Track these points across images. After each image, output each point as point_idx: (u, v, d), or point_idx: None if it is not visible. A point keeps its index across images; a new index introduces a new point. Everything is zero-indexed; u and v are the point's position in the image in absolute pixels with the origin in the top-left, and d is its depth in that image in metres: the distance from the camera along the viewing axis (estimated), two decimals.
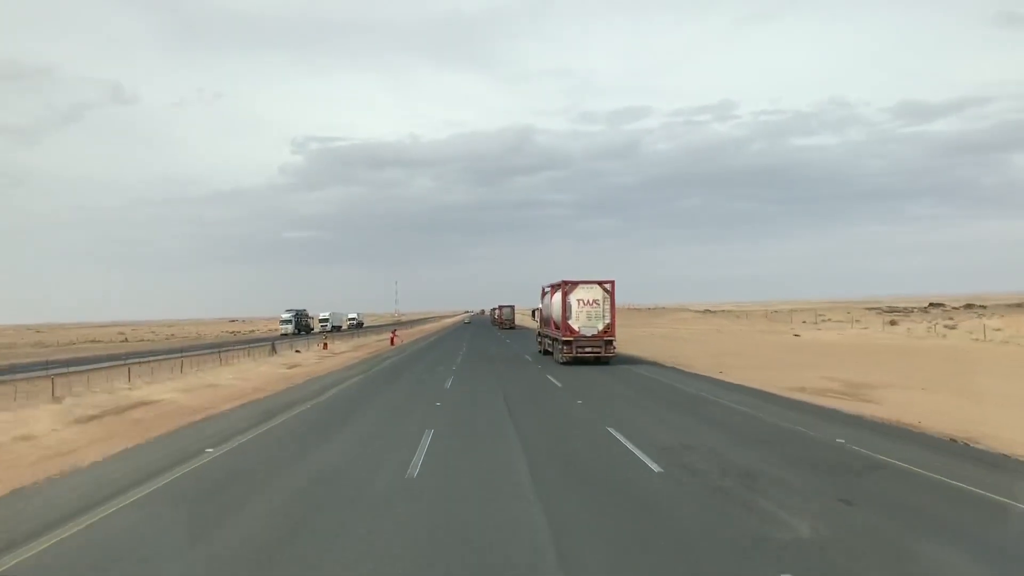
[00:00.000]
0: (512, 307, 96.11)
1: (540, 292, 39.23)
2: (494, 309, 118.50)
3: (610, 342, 30.22)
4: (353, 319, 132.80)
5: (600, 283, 30.60)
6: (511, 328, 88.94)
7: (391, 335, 60.03)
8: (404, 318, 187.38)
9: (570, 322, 30.17)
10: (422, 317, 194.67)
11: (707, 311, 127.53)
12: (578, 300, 30.30)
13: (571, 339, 30.00)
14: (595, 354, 30.11)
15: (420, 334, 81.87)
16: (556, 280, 33.48)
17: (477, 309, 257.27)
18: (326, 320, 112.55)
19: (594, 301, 30.27)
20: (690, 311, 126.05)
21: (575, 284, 30.58)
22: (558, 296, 31.94)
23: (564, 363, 30.48)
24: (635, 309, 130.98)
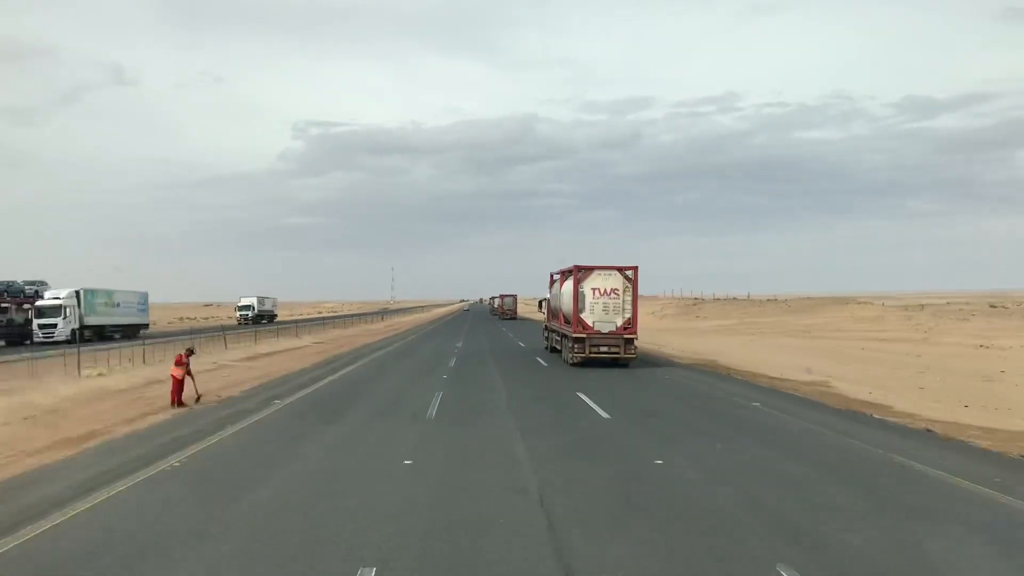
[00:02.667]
0: (514, 296, 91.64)
1: (548, 280, 34.24)
2: (494, 298, 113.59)
3: (630, 341, 25.22)
4: (247, 308, 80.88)
5: (620, 269, 25.61)
6: (512, 318, 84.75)
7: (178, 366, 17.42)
8: (392, 306, 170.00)
9: (583, 316, 25.19)
10: (416, 305, 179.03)
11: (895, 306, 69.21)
12: (593, 289, 25.30)
13: (583, 336, 25.03)
14: (612, 355, 25.15)
15: (382, 334, 51.74)
16: (567, 266, 28.51)
17: (476, 298, 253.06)
18: (43, 310, 44.47)
19: (612, 291, 25.27)
20: (865, 303, 71.68)
21: (589, 270, 25.58)
22: (568, 284, 26.96)
23: (574, 364, 25.58)
24: (725, 300, 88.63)
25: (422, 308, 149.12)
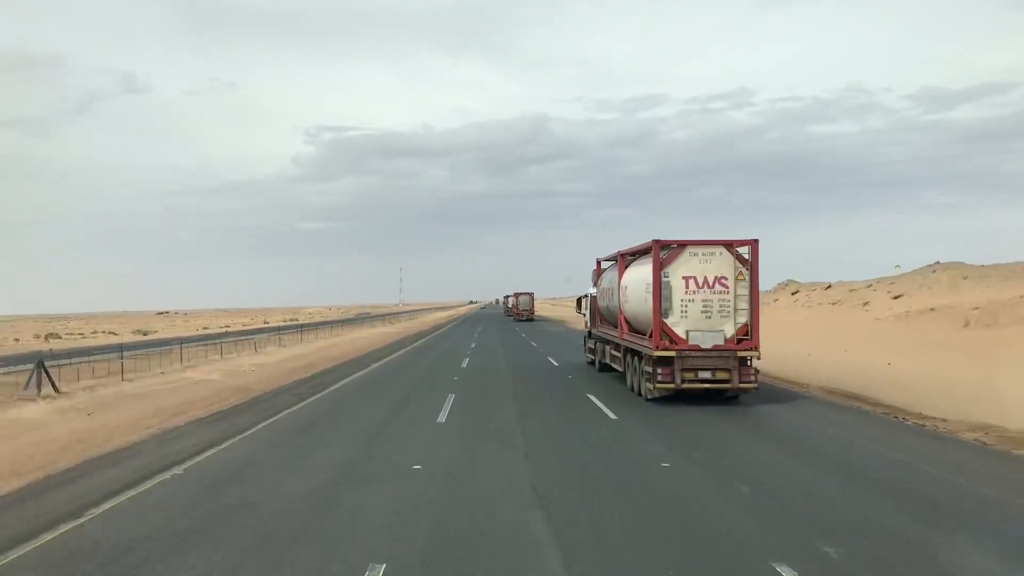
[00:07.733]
0: (531, 295, 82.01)
1: (594, 269, 24.62)
2: (507, 297, 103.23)
3: (746, 360, 15.50)
4: None
5: (728, 244, 15.89)
6: (529, 320, 75.39)
7: None
8: (382, 309, 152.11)
9: (669, 321, 15.53)
10: (423, 308, 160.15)
11: None
12: (685, 279, 15.62)
13: (671, 353, 15.32)
14: (719, 384, 15.46)
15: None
16: (627, 247, 18.85)
17: (491, 299, 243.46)
18: None
19: (717, 280, 15.59)
20: None
21: (680, 247, 15.90)
22: (637, 272, 17.37)
23: (653, 399, 15.94)
24: None
25: (392, 316, 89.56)
